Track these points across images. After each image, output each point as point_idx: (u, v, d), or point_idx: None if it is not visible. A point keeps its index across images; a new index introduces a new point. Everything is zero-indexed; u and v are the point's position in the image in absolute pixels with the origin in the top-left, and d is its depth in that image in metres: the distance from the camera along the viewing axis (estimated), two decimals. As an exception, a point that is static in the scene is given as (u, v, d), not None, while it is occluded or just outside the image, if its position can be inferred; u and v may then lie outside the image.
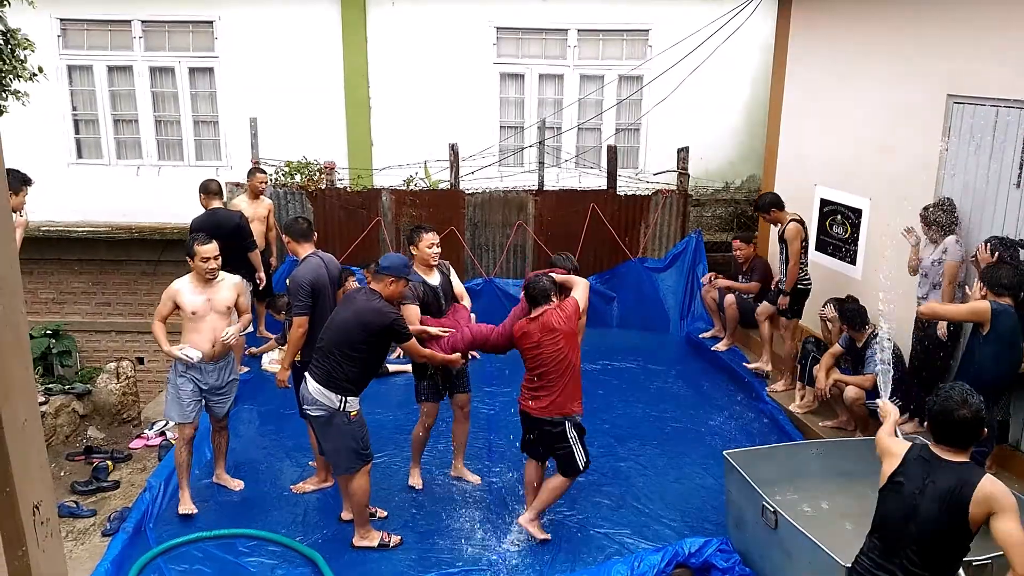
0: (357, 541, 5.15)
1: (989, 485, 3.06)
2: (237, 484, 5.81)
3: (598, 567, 4.86)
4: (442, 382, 5.63)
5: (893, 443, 3.46)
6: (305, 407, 4.95)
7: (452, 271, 5.78)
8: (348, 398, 4.83)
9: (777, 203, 7.34)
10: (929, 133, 6.29)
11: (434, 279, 5.53)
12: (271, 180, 9.38)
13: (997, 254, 5.30)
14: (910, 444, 3.38)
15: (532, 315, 5.01)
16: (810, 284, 7.33)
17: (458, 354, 5.25)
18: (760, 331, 7.82)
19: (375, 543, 5.14)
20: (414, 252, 5.55)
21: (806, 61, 8.16)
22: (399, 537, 5.22)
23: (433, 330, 5.25)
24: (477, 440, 6.53)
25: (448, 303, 5.56)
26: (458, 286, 5.76)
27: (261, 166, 8.43)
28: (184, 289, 5.40)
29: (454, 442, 6.00)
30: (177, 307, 5.39)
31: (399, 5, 10.47)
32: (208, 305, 5.40)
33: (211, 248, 5.35)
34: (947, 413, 3.16)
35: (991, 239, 5.45)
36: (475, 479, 5.96)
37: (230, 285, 5.56)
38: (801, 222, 7.18)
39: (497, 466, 6.23)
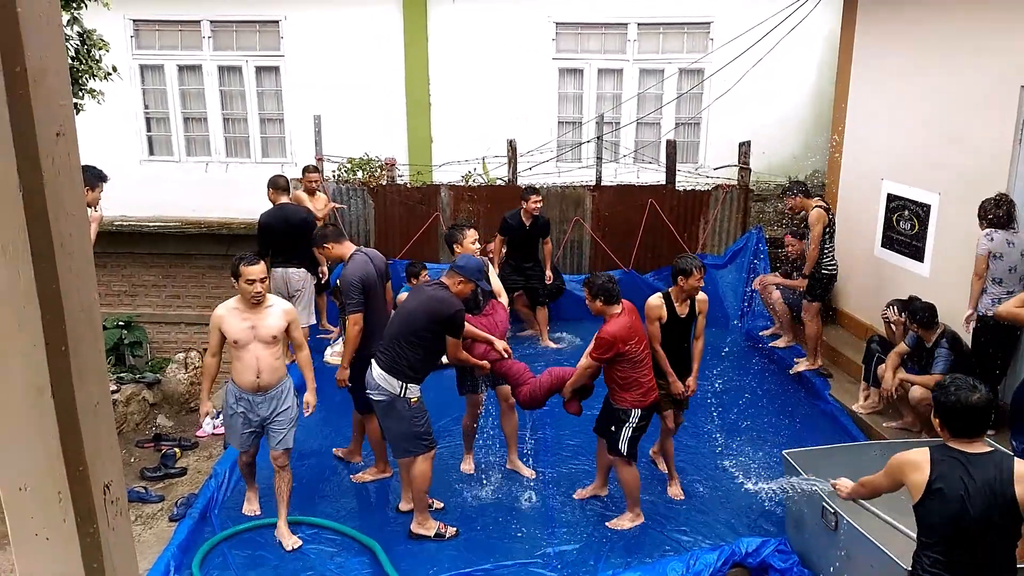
0: (415, 528, 5.23)
1: (1022, 465, 3.11)
2: (293, 543, 5.13)
3: (653, 564, 4.84)
4: (482, 376, 5.70)
5: (911, 453, 3.30)
6: (368, 392, 5.10)
7: (490, 267, 5.85)
8: (409, 385, 4.97)
9: (802, 189, 7.57)
10: (1001, 124, 6.08)
11: None
12: (334, 176, 9.55)
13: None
14: (926, 450, 3.26)
15: (619, 310, 5.08)
16: (835, 270, 7.47)
17: (485, 361, 5.34)
18: (807, 330, 7.65)
19: (431, 532, 5.21)
20: (458, 250, 5.67)
21: (872, 52, 7.95)
22: (455, 528, 5.28)
23: (481, 333, 5.37)
24: (530, 434, 6.56)
25: (486, 300, 5.66)
26: (496, 283, 5.86)
27: (315, 165, 8.58)
28: (228, 315, 4.96)
29: (504, 434, 6.05)
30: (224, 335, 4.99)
31: (459, 3, 10.54)
32: (251, 333, 4.94)
33: (258, 269, 4.90)
34: (963, 403, 3.13)
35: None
36: (529, 472, 6.00)
37: (279, 312, 5.05)
38: (827, 208, 7.31)
39: (549, 459, 6.25)
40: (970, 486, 3.08)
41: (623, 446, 5.17)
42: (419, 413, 5.06)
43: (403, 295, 6.20)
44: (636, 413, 5.12)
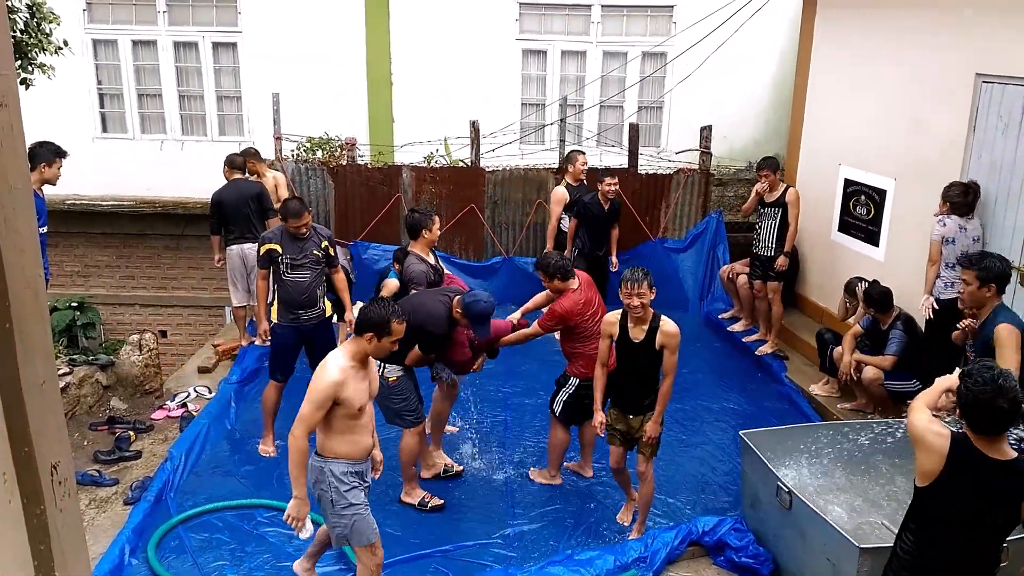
0: (403, 497, 5.43)
1: None
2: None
3: (612, 544, 4.89)
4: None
5: (931, 434, 3.04)
6: None
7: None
8: (387, 365, 5.12)
9: (777, 166, 7.68)
10: (956, 112, 6.19)
11: (431, 259, 5.79)
12: (292, 156, 9.42)
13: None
14: (949, 437, 3.01)
15: (576, 285, 5.33)
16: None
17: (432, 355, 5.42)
18: (773, 310, 7.78)
19: (416, 501, 5.40)
20: (426, 235, 5.72)
21: (833, 39, 8.04)
22: (441, 500, 5.42)
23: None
24: (496, 420, 6.59)
25: (442, 277, 5.83)
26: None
27: (255, 150, 8.35)
28: (349, 378, 3.90)
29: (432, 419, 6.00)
30: (336, 404, 3.88)
31: (422, -20, 10.41)
32: (367, 393, 4.08)
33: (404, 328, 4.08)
34: (988, 403, 2.89)
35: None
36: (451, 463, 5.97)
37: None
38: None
39: (510, 440, 6.27)
40: (981, 494, 2.97)
41: (557, 407, 5.48)
42: (399, 391, 5.20)
43: (391, 281, 6.08)
44: (575, 382, 5.38)
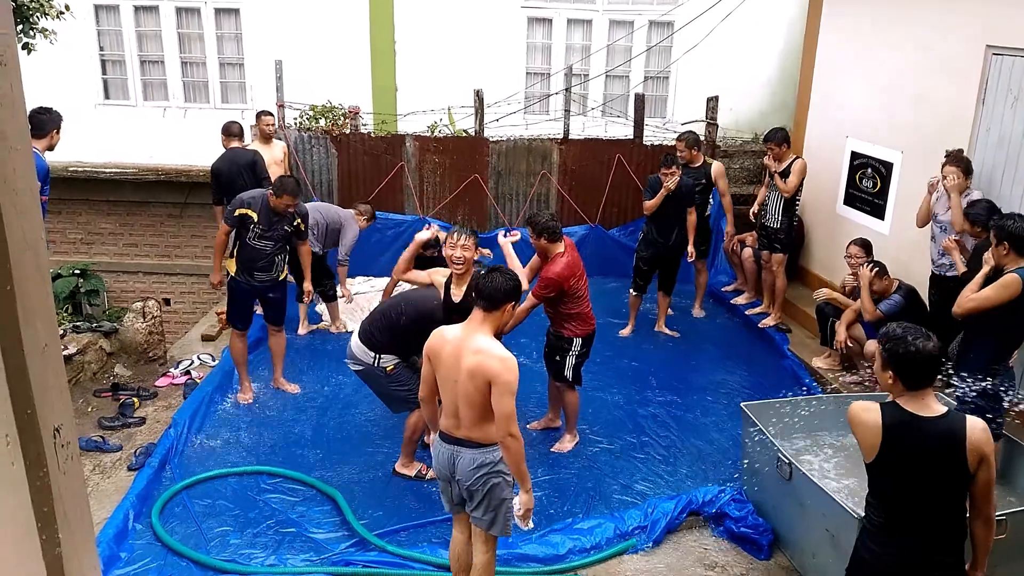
0: (398, 467, 5.46)
1: (978, 432, 2.99)
2: None
3: (612, 512, 4.93)
4: None
5: (860, 411, 3.14)
6: (345, 360, 5.40)
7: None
8: (383, 355, 5.16)
9: (786, 137, 7.60)
10: (966, 85, 6.13)
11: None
12: (295, 124, 9.35)
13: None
14: (878, 407, 3.10)
15: (562, 248, 5.38)
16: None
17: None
18: (777, 282, 7.77)
19: (412, 473, 5.42)
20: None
21: (841, 9, 7.93)
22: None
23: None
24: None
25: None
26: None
27: (268, 110, 8.37)
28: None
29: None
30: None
31: (426, -53, 10.27)
32: None
33: None
34: (920, 352, 2.98)
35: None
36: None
37: None
38: None
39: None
40: (922, 452, 3.01)
41: (568, 372, 5.55)
42: (398, 379, 5.21)
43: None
44: (578, 342, 5.50)
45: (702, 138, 9.16)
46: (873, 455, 3.11)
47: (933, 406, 3.06)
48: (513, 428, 3.53)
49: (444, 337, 3.69)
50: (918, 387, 3.06)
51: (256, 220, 5.97)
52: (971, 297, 4.59)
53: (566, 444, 5.79)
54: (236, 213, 5.98)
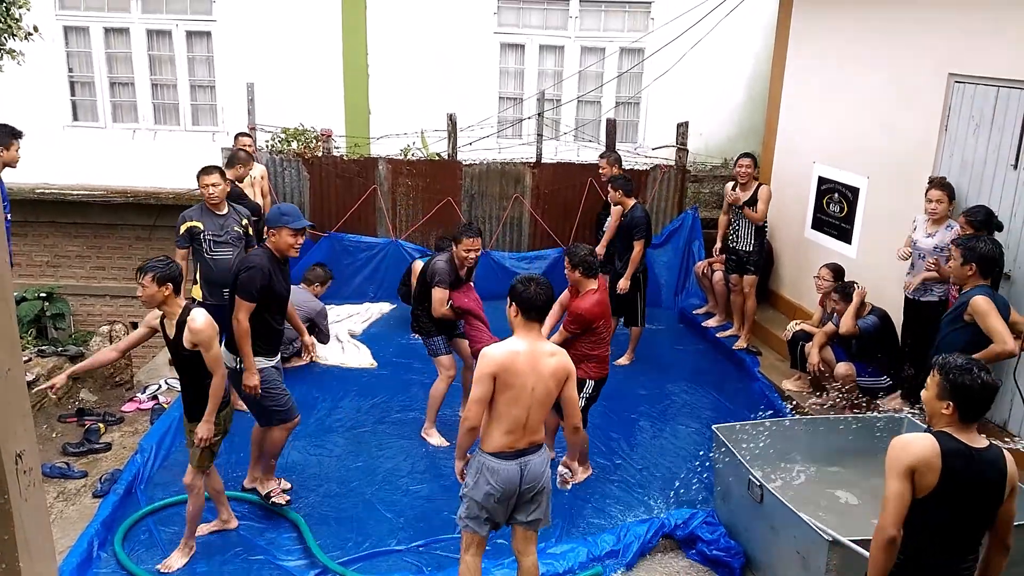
0: (247, 483, 5.31)
1: (1012, 464, 3.04)
2: None
3: (585, 537, 4.90)
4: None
5: (914, 451, 2.97)
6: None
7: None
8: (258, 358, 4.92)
9: (754, 159, 7.80)
10: (929, 112, 6.27)
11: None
12: (267, 147, 9.32)
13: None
14: (935, 448, 2.97)
15: (595, 285, 5.32)
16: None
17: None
18: (747, 304, 7.87)
19: (264, 491, 5.17)
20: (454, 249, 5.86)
21: (808, 38, 8.10)
22: (287, 498, 5.17)
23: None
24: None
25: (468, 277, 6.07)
26: None
27: (247, 131, 8.33)
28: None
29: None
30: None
31: (399, -28, 10.34)
32: None
33: None
34: (985, 385, 2.95)
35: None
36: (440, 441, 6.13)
37: None
38: None
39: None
40: (980, 483, 3.00)
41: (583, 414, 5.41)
42: (266, 392, 4.95)
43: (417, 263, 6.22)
44: (590, 384, 5.41)
45: (671, 163, 9.28)
46: (932, 486, 2.98)
47: (979, 438, 3.06)
48: (580, 422, 4.07)
49: (511, 350, 3.83)
50: (975, 419, 3.03)
51: (203, 228, 5.95)
52: (998, 330, 4.69)
53: (580, 476, 5.58)
54: (182, 230, 5.98)
